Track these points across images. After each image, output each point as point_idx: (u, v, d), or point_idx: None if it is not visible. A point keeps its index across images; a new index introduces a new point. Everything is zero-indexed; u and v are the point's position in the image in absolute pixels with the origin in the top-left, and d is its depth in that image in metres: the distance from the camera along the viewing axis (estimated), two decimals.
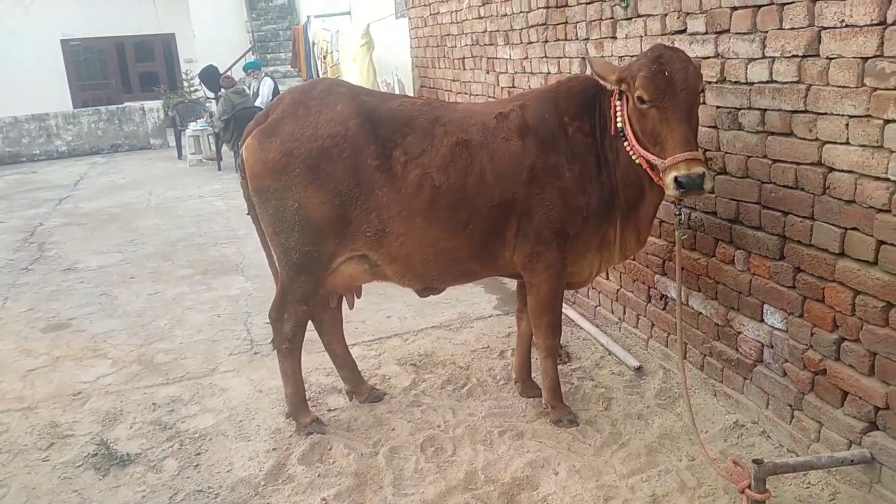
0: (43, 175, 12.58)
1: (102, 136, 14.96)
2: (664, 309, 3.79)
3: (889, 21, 2.30)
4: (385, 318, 4.88)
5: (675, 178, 2.67)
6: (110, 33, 18.18)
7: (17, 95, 16.24)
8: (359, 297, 3.57)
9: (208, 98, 14.02)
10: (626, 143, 2.97)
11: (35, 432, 3.64)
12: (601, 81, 3.08)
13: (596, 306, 4.49)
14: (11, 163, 14.14)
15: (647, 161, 2.86)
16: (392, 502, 2.92)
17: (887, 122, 2.36)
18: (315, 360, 4.11)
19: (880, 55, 2.35)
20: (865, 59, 2.40)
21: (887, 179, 2.40)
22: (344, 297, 3.53)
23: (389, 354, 4.29)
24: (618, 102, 2.96)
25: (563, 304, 4.67)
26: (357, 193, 3.02)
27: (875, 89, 2.38)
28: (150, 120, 15.23)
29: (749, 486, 2.62)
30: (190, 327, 4.92)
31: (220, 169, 11.65)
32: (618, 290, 4.22)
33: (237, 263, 6.36)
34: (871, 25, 2.35)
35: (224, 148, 11.59)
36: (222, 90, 11.41)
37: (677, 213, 3.04)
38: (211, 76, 12.86)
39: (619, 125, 2.98)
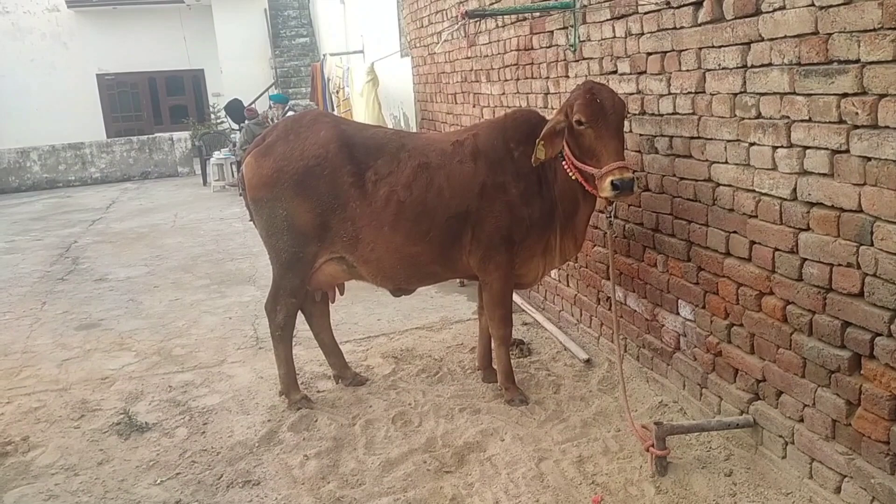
0: (78, 199, 13.51)
1: (133, 164, 15.96)
2: (610, 309, 4.35)
3: (749, 65, 2.90)
4: (376, 320, 5.49)
5: (612, 182, 3.22)
6: (143, 69, 19.23)
7: (55, 125, 17.28)
8: (341, 294, 4.22)
9: (233, 129, 14.91)
10: (563, 163, 3.58)
11: (68, 407, 4.28)
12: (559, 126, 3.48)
13: (560, 311, 5.06)
14: (49, 188, 15.18)
15: (583, 174, 3.44)
16: (362, 460, 3.50)
17: (751, 144, 2.95)
18: (311, 353, 4.74)
19: (744, 91, 2.95)
20: (735, 94, 3.01)
21: (754, 191, 2.98)
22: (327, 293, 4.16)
23: (375, 350, 4.89)
24: None
25: (533, 310, 5.27)
26: (335, 205, 3.67)
27: (742, 118, 2.99)
28: (178, 149, 16.20)
29: (652, 445, 3.19)
30: (204, 327, 5.59)
31: (241, 194, 12.40)
32: (575, 296, 4.80)
33: (250, 275, 7.05)
34: (737, 68, 2.96)
35: None
36: (246, 121, 12.25)
37: (608, 215, 3.62)
38: (235, 109, 13.75)
39: None
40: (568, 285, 4.91)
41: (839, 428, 2.70)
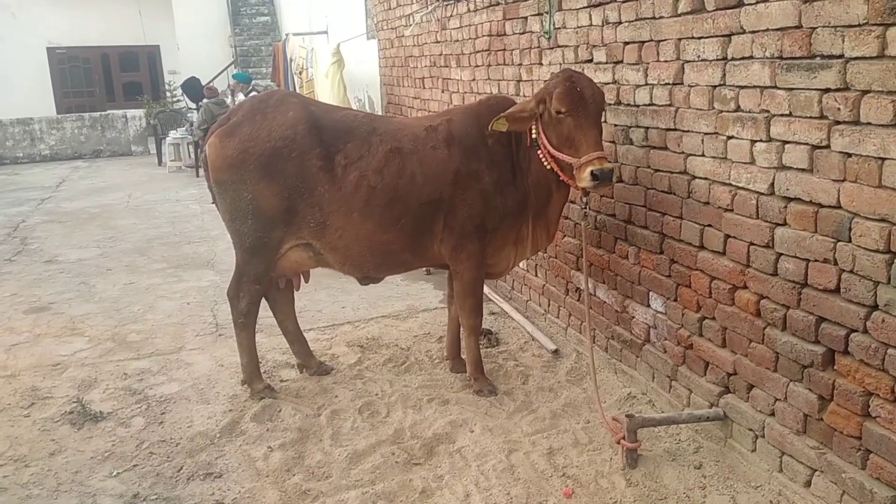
0: (26, 177, 12.99)
1: (85, 142, 15.42)
2: (578, 300, 4.34)
3: (729, 57, 2.88)
4: (340, 308, 5.38)
5: (591, 172, 3.16)
6: (96, 43, 18.56)
7: (1, 100, 16.57)
8: (306, 281, 4.10)
9: (189, 108, 14.51)
10: (539, 152, 3.51)
11: (17, 394, 4.08)
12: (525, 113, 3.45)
13: (527, 300, 5.03)
14: None
15: (560, 163, 3.38)
16: (328, 451, 3.41)
17: (729, 137, 2.93)
18: (273, 341, 4.61)
19: (723, 84, 2.93)
20: (714, 86, 2.98)
21: (730, 184, 2.97)
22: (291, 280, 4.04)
23: (340, 338, 4.79)
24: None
25: (501, 300, 5.22)
26: (302, 189, 3.55)
27: (721, 111, 2.96)
28: (132, 127, 15.70)
29: (623, 437, 3.17)
30: (161, 312, 5.40)
31: (198, 175, 12.11)
32: (543, 286, 4.77)
33: (208, 259, 6.85)
34: (717, 60, 2.94)
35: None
36: (204, 100, 11.91)
37: (582, 206, 3.57)
38: (193, 88, 13.35)
39: (533, 136, 3.52)
40: (536, 275, 4.88)
41: (811, 422, 2.72)
